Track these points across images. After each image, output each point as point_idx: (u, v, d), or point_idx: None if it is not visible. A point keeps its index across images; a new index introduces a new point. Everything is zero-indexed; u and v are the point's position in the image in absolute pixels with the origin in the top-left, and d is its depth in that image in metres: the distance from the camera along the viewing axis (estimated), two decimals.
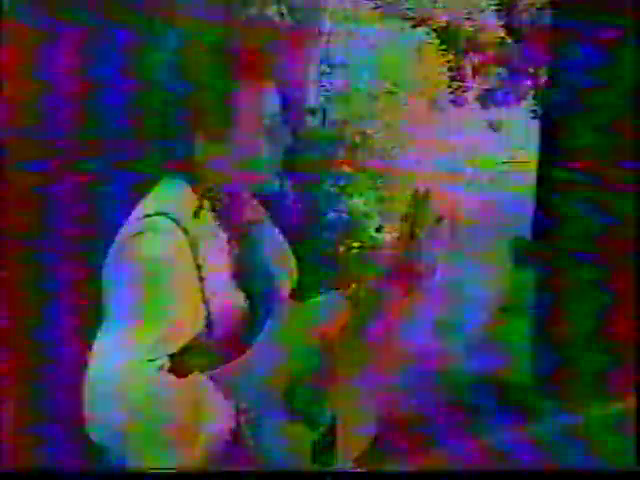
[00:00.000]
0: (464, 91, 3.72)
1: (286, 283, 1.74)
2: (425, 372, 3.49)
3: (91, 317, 1.56)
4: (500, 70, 3.85)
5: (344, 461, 1.61)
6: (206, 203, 1.63)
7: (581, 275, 3.76)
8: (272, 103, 1.64)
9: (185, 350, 1.54)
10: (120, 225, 1.59)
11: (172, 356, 1.51)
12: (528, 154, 3.90)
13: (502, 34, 3.89)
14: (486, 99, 3.78)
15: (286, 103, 1.66)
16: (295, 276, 1.79)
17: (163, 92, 1.63)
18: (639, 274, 3.56)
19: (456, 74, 3.75)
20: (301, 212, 3.29)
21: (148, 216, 1.56)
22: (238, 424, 1.48)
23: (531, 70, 3.86)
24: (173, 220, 1.55)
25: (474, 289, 3.66)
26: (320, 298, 1.66)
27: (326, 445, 1.58)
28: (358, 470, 1.65)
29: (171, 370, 1.50)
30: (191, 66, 1.61)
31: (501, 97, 3.84)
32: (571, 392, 3.69)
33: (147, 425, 1.45)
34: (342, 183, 3.38)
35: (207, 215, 1.63)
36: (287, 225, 1.87)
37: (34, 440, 2.64)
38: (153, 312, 1.50)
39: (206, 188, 1.63)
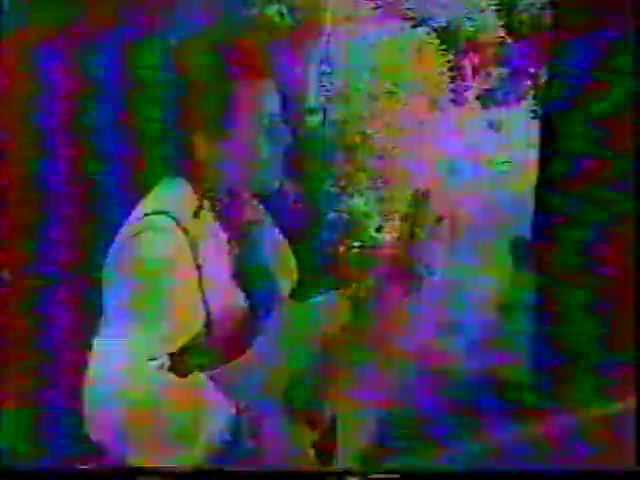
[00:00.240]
0: (464, 91, 3.72)
1: (286, 283, 1.74)
2: (425, 372, 3.49)
3: (91, 317, 1.56)
4: (500, 70, 3.85)
5: (344, 461, 1.61)
6: (206, 203, 1.63)
7: (581, 275, 3.75)
8: (272, 103, 1.64)
9: (185, 350, 1.54)
10: (120, 225, 1.59)
11: (172, 355, 1.51)
12: (528, 154, 3.90)
13: (502, 34, 3.89)
14: (486, 99, 3.78)
15: (286, 103, 1.66)
16: (295, 276, 1.79)
17: (163, 92, 1.64)
18: (639, 274, 3.56)
19: (456, 74, 3.75)
20: (301, 212, 3.29)
21: (148, 215, 1.56)
22: (238, 424, 1.48)
23: (531, 70, 3.86)
24: (173, 219, 1.55)
25: (474, 289, 3.66)
26: (320, 298, 1.66)
27: (326, 445, 1.58)
28: (358, 470, 1.65)
29: (171, 369, 1.50)
30: (191, 66, 1.61)
31: (501, 97, 3.84)
32: (571, 392, 3.69)
33: (147, 424, 1.45)
34: (342, 183, 3.38)
35: (207, 215, 1.63)
36: (287, 225, 1.87)
37: (34, 440, 2.64)
38: (153, 311, 1.51)
39: (206, 188, 1.63)
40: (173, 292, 1.53)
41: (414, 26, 3.65)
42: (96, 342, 1.50)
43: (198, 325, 1.55)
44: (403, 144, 3.51)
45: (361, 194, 3.39)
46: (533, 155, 3.89)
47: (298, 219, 3.25)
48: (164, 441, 1.46)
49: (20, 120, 2.71)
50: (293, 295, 1.75)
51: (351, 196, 3.39)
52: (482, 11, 3.89)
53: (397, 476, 1.84)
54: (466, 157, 3.70)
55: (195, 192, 1.62)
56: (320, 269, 3.20)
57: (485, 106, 3.80)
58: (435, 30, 3.67)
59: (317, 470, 1.57)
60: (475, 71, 3.80)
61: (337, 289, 1.69)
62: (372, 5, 3.56)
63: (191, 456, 1.46)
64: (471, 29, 3.79)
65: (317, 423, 1.57)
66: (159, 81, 1.65)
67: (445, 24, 3.70)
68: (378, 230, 3.39)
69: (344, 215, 3.37)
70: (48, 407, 2.66)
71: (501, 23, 3.91)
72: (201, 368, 1.52)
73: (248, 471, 1.51)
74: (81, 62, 2.70)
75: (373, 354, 1.61)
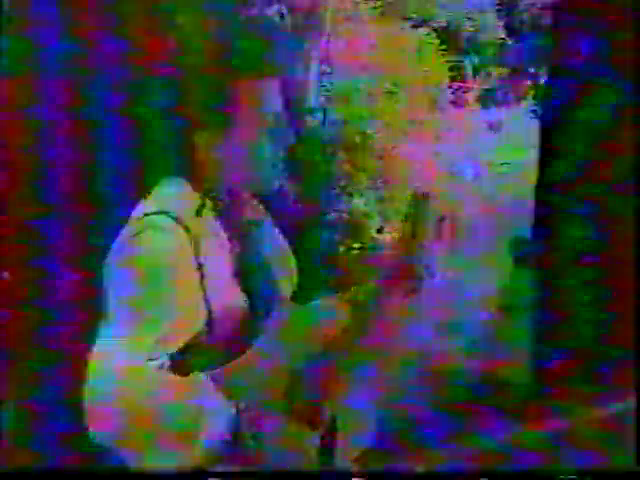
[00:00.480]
0: (464, 91, 3.72)
1: (286, 283, 1.74)
2: (425, 372, 3.49)
3: (92, 316, 1.56)
4: (500, 70, 3.85)
5: (344, 461, 1.61)
6: (207, 202, 1.62)
7: (581, 275, 3.75)
8: (274, 102, 1.63)
9: (185, 349, 1.54)
10: (121, 224, 1.59)
11: (172, 355, 1.51)
12: (528, 154, 3.90)
13: (502, 34, 3.88)
14: (486, 99, 3.78)
15: (287, 103, 1.66)
16: (295, 276, 1.79)
17: (165, 91, 1.63)
18: (639, 274, 3.56)
19: (456, 74, 3.75)
20: (301, 212, 3.29)
21: (149, 215, 1.56)
22: (238, 424, 1.48)
23: (531, 70, 3.86)
24: (174, 219, 1.55)
25: (474, 289, 3.67)
26: (320, 300, 1.66)
27: (326, 445, 1.58)
28: (358, 470, 1.65)
29: (171, 369, 1.50)
30: (192, 65, 1.61)
31: (501, 97, 3.84)
32: (571, 392, 3.69)
33: (147, 424, 1.45)
34: (342, 183, 3.38)
35: (208, 214, 1.63)
36: (287, 225, 1.87)
37: (34, 440, 2.64)
38: (154, 311, 1.50)
39: (207, 187, 1.63)
40: (174, 291, 1.53)
41: (414, 26, 3.65)
42: (97, 341, 1.50)
43: (199, 324, 1.55)
44: (403, 144, 3.51)
45: (361, 194, 3.40)
46: (533, 155, 3.89)
47: (298, 219, 3.25)
48: (164, 441, 1.46)
49: (21, 120, 2.71)
50: (294, 296, 1.75)
51: (351, 196, 3.39)
52: (482, 11, 3.89)
53: (397, 476, 1.84)
54: (466, 157, 3.71)
55: (196, 191, 1.62)
56: (320, 269, 3.20)
57: (485, 106, 3.80)
58: (435, 30, 3.67)
59: (317, 470, 1.57)
60: (475, 71, 3.80)
61: (337, 290, 1.69)
62: (372, 5, 3.56)
63: (191, 456, 1.46)
64: (471, 29, 3.79)
65: (317, 423, 1.57)
66: (160, 80, 1.65)
67: (445, 24, 3.69)
68: (378, 230, 3.39)
69: (344, 215, 3.37)
70: (48, 407, 2.66)
71: (501, 23, 3.90)
72: (201, 368, 1.52)
73: (248, 471, 1.51)
74: (81, 61, 2.70)
75: (373, 355, 1.61)
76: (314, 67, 3.37)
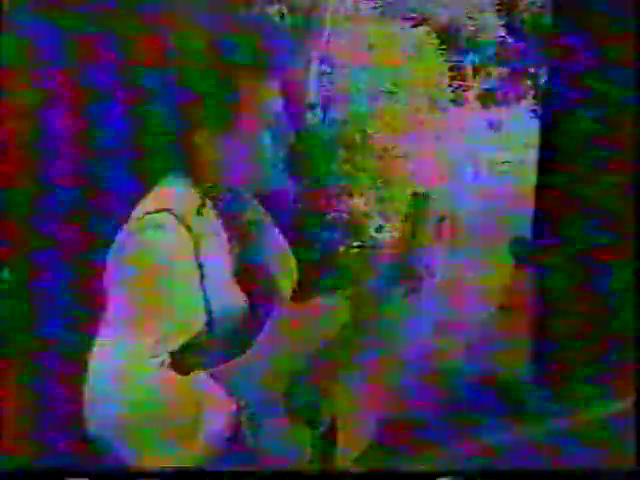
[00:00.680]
0: (464, 91, 3.72)
1: (286, 283, 1.74)
2: (425, 372, 3.49)
3: (92, 315, 1.56)
4: (500, 70, 3.85)
5: (344, 461, 1.61)
6: (208, 201, 1.63)
7: (581, 275, 3.75)
8: (275, 101, 1.63)
9: (186, 348, 1.54)
10: (122, 223, 1.59)
11: (173, 353, 1.51)
12: (528, 154, 3.90)
13: (502, 34, 3.89)
14: (486, 99, 3.78)
15: (287, 102, 1.66)
16: (295, 276, 1.79)
17: (166, 90, 1.63)
18: (639, 274, 3.56)
19: (456, 74, 3.75)
20: (301, 212, 3.29)
21: (150, 213, 1.56)
22: (238, 422, 1.48)
23: (531, 70, 3.86)
24: (175, 217, 1.55)
25: (474, 289, 3.66)
26: (320, 299, 1.66)
27: (326, 445, 1.58)
28: (358, 470, 1.65)
29: (172, 367, 1.50)
30: (193, 64, 1.61)
31: (501, 97, 3.84)
32: (571, 392, 3.69)
33: (147, 422, 1.45)
34: (342, 183, 3.38)
35: (209, 213, 1.63)
36: (287, 225, 1.87)
37: (34, 439, 2.63)
38: (155, 309, 1.51)
39: (208, 186, 1.63)
40: (175, 290, 1.53)
41: (414, 26, 3.65)
42: (98, 339, 1.50)
43: (199, 323, 1.55)
44: (403, 144, 3.51)
45: (361, 194, 3.39)
46: (533, 155, 3.89)
47: (298, 219, 3.25)
48: (165, 438, 1.46)
49: (20, 118, 2.71)
50: (293, 296, 1.75)
51: (351, 196, 3.39)
52: (482, 11, 3.89)
53: (397, 476, 1.84)
54: (466, 157, 3.71)
55: (197, 190, 1.62)
56: (320, 269, 3.20)
57: (485, 106, 3.80)
58: (435, 30, 3.67)
59: (317, 470, 1.57)
60: (475, 71, 3.80)
61: (337, 290, 1.69)
62: (372, 5, 3.56)
63: (191, 455, 1.46)
64: (471, 29, 3.79)
65: (317, 423, 1.57)
66: (162, 80, 1.65)
67: (445, 24, 3.69)
68: (378, 230, 3.39)
69: (344, 215, 3.37)
70: (48, 407, 2.66)
71: (501, 23, 3.90)
72: (201, 366, 1.52)
73: (248, 471, 1.51)
74: (81, 60, 2.70)
75: (373, 355, 1.61)
76: (314, 67, 3.37)
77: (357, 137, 3.41)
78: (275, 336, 1.54)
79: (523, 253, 3.95)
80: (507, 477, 1.81)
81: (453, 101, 3.66)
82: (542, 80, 3.84)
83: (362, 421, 1.64)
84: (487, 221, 3.75)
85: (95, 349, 1.48)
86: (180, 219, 1.55)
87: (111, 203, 2.49)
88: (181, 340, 1.52)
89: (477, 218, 3.67)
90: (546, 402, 3.68)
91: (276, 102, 1.64)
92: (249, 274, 1.64)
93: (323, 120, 3.35)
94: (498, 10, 3.95)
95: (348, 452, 1.62)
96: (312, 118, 3.35)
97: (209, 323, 1.56)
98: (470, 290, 3.67)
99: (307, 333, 1.57)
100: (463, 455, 3.22)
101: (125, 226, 1.58)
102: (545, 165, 3.88)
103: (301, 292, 1.76)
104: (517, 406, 3.64)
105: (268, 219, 1.80)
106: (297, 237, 1.99)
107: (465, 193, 3.62)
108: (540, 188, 3.88)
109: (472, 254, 3.59)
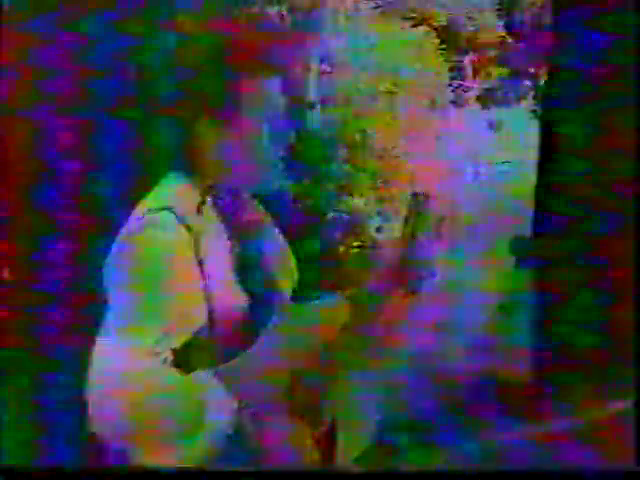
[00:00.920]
0: (464, 91, 3.72)
1: (286, 283, 1.74)
2: (425, 372, 3.49)
3: (93, 315, 1.56)
4: (500, 70, 3.85)
5: (344, 461, 1.62)
6: (208, 200, 1.63)
7: (581, 275, 3.75)
8: (275, 101, 1.64)
9: (187, 346, 1.54)
10: (122, 222, 1.59)
11: (174, 352, 1.52)
12: (528, 154, 3.90)
13: (502, 34, 3.89)
14: (486, 99, 3.78)
15: (287, 102, 1.66)
16: (295, 276, 1.79)
17: (165, 89, 1.64)
18: (639, 274, 3.56)
19: (456, 74, 3.75)
20: (301, 212, 3.29)
21: (150, 212, 1.56)
22: (239, 422, 1.49)
23: (531, 70, 3.86)
24: (175, 216, 1.55)
25: (474, 289, 3.66)
26: (321, 300, 1.66)
27: (326, 445, 1.58)
28: (358, 470, 1.65)
29: (174, 366, 1.50)
30: (194, 63, 1.61)
31: (501, 97, 3.85)
32: (571, 392, 3.69)
33: (149, 421, 1.45)
34: (342, 183, 3.38)
35: (209, 213, 1.63)
36: (287, 225, 1.87)
37: (34, 439, 2.64)
38: (156, 307, 1.51)
39: (209, 185, 1.63)
40: (175, 288, 1.53)
41: (414, 26, 3.65)
42: (99, 339, 1.50)
43: (200, 321, 1.55)
44: (403, 144, 3.51)
45: (361, 194, 3.39)
46: (533, 155, 3.89)
47: (298, 219, 3.25)
48: (167, 436, 1.46)
49: (20, 118, 2.71)
50: (294, 296, 1.75)
51: (351, 196, 3.39)
52: (482, 11, 3.89)
53: (397, 476, 1.84)
54: (466, 157, 3.71)
55: (197, 189, 1.62)
56: (320, 269, 3.20)
57: (485, 106, 3.80)
58: (435, 30, 3.67)
59: (317, 470, 1.57)
60: (475, 71, 3.80)
61: (337, 290, 1.69)
62: (372, 5, 3.56)
63: (193, 454, 1.47)
64: (471, 29, 3.79)
65: (318, 423, 1.57)
66: (161, 78, 1.65)
67: (445, 23, 3.70)
68: (378, 230, 3.39)
69: (344, 215, 3.37)
70: (49, 407, 2.66)
71: (501, 23, 3.91)
72: (203, 365, 1.52)
73: (248, 471, 1.51)
74: (82, 58, 2.69)
75: (373, 355, 1.61)
76: (314, 67, 3.37)
77: (357, 137, 3.41)
78: (276, 336, 1.54)
79: (523, 253, 3.95)
80: (507, 477, 1.81)
81: (453, 102, 3.65)
82: (542, 80, 3.84)
83: (362, 421, 1.64)
84: (487, 221, 3.75)
85: (97, 348, 1.48)
86: (180, 218, 1.55)
87: (111, 202, 2.49)
88: (182, 338, 1.52)
89: (477, 218, 3.66)
90: (546, 402, 3.68)
91: (277, 101, 1.64)
92: (249, 273, 1.64)
93: (323, 120, 3.35)
94: (498, 10, 3.95)
95: (348, 452, 1.62)
96: (312, 118, 3.35)
97: (210, 321, 1.57)
98: (470, 290, 3.67)
99: (307, 333, 1.57)
100: (463, 455, 3.22)
101: (125, 225, 1.58)
102: (545, 165, 3.88)
103: (301, 292, 1.76)
104: (517, 406, 3.64)
105: (268, 219, 1.80)
106: (297, 237, 1.99)
107: (465, 193, 3.62)
108: (540, 188, 3.88)
109: (472, 254, 3.59)
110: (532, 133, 3.89)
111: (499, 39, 3.83)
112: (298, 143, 3.15)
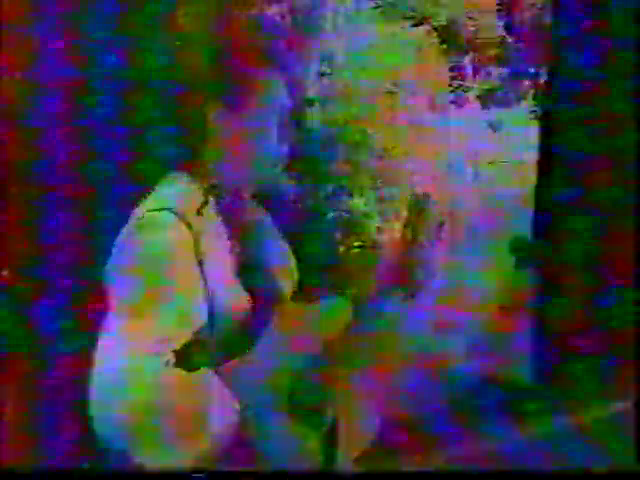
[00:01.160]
0: (464, 91, 3.72)
1: (286, 283, 1.74)
2: (425, 372, 3.48)
3: (94, 315, 1.56)
4: (500, 70, 3.85)
5: (345, 461, 1.62)
6: (210, 199, 1.63)
7: (581, 275, 3.76)
8: (276, 101, 1.64)
9: (188, 346, 1.54)
10: (124, 222, 1.59)
11: (176, 351, 1.52)
12: (528, 154, 3.90)
13: (502, 34, 3.89)
14: (486, 99, 3.78)
15: (288, 102, 1.66)
16: (295, 276, 1.79)
17: (169, 88, 1.64)
18: (639, 274, 3.57)
19: (456, 74, 3.75)
20: (301, 212, 3.29)
21: (151, 212, 1.56)
22: (241, 422, 1.49)
23: (531, 70, 3.86)
24: (176, 215, 1.56)
25: (474, 289, 3.66)
26: (321, 300, 1.67)
27: (328, 445, 1.58)
28: (359, 470, 1.65)
29: (175, 365, 1.51)
30: (196, 63, 1.61)
31: (501, 97, 3.85)
32: (571, 392, 3.69)
33: (152, 421, 1.45)
34: (342, 183, 3.38)
35: (210, 213, 1.63)
36: (287, 225, 1.87)
37: (34, 439, 2.63)
38: (157, 307, 1.51)
39: (210, 185, 1.64)
40: (176, 288, 1.53)
41: (414, 26, 3.64)
42: (101, 338, 1.50)
43: (201, 321, 1.56)
44: (403, 144, 3.51)
45: (361, 194, 3.39)
46: (533, 155, 3.89)
47: (298, 219, 3.25)
48: (169, 437, 1.46)
49: (19, 117, 2.70)
50: (294, 296, 1.75)
51: (351, 196, 3.39)
52: (482, 11, 3.89)
53: (397, 476, 1.84)
54: (466, 157, 3.70)
55: (198, 189, 1.62)
56: (320, 269, 3.20)
57: (485, 106, 3.80)
58: (435, 30, 3.67)
59: (318, 470, 1.58)
60: (475, 71, 3.80)
61: (338, 290, 1.70)
62: (372, 5, 3.56)
63: (195, 454, 1.47)
64: (471, 29, 3.79)
65: (319, 423, 1.57)
66: (164, 77, 1.66)
67: (445, 23, 3.70)
68: (378, 230, 3.39)
69: (344, 215, 3.37)
70: (49, 407, 2.66)
71: (501, 23, 3.91)
72: (203, 365, 1.52)
73: (249, 471, 1.51)
74: (83, 56, 2.69)
75: (374, 355, 1.62)
76: (314, 67, 3.37)
77: (357, 137, 3.41)
78: (277, 336, 1.54)
79: (523, 253, 3.95)
80: (507, 477, 1.81)
81: (453, 102, 3.65)
82: (542, 80, 3.84)
83: (363, 421, 1.64)
84: (487, 221, 3.75)
85: (99, 349, 1.49)
86: (181, 218, 1.56)
87: (113, 202, 2.49)
88: (184, 338, 1.52)
89: (477, 218, 3.66)
90: (546, 402, 3.68)
91: (278, 101, 1.64)
92: (250, 274, 1.65)
93: (323, 120, 3.35)
94: (498, 10, 3.94)
95: (349, 452, 1.62)
96: (312, 117, 3.35)
97: (211, 321, 1.57)
98: (470, 290, 3.66)
99: (308, 333, 1.57)
100: (463, 455, 3.22)
101: (126, 225, 1.58)
102: (545, 165, 3.89)
103: (302, 292, 1.76)
104: (517, 406, 3.64)
105: (268, 219, 1.80)
106: (297, 237, 1.99)
107: (465, 193, 3.62)
108: (540, 188, 3.88)
109: (472, 254, 3.59)
110: (532, 133, 3.90)
111: (499, 39, 3.83)
112: (298, 143, 3.16)
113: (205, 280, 1.56)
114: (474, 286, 3.65)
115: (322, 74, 3.33)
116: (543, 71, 3.86)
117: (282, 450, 1.53)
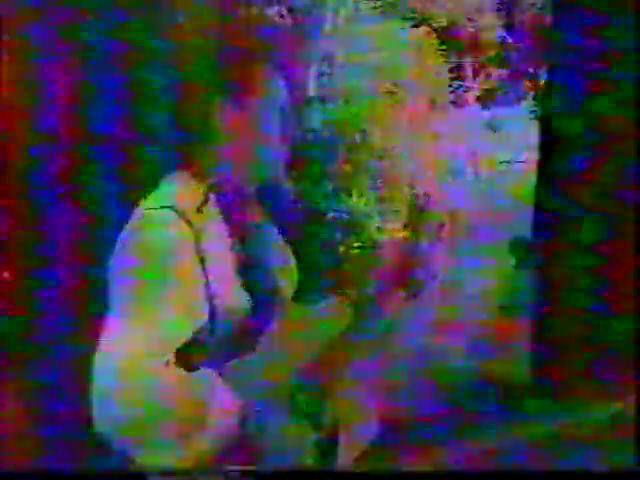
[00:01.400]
0: (464, 91, 3.72)
1: (287, 283, 1.74)
2: (425, 372, 3.48)
3: (95, 314, 1.56)
4: (500, 70, 3.85)
5: (345, 461, 1.62)
6: (211, 197, 1.63)
7: (581, 275, 3.75)
8: (277, 101, 1.64)
9: (189, 345, 1.54)
10: (124, 221, 1.59)
11: (177, 351, 1.52)
12: (528, 154, 3.90)
13: (502, 34, 3.89)
14: (486, 99, 3.78)
15: (288, 102, 1.66)
16: (295, 276, 1.79)
17: (170, 88, 1.64)
18: (639, 274, 3.56)
19: (456, 74, 3.75)
20: (301, 212, 3.29)
21: (153, 210, 1.56)
22: (242, 421, 1.49)
23: (531, 70, 3.86)
24: (177, 213, 1.56)
25: (474, 289, 3.66)
26: (322, 301, 1.67)
27: (328, 444, 1.58)
28: (358, 470, 1.65)
29: (176, 365, 1.51)
30: (198, 63, 1.61)
31: (501, 97, 3.85)
32: (571, 392, 3.69)
33: (153, 421, 1.45)
34: (342, 183, 3.38)
35: (210, 212, 1.63)
36: (287, 225, 1.87)
37: (35, 440, 2.63)
38: (157, 306, 1.51)
39: (209, 184, 1.64)
40: (177, 286, 1.53)
41: (414, 26, 3.65)
42: (102, 338, 1.51)
43: (202, 319, 1.56)
44: (403, 144, 3.51)
45: (361, 194, 3.39)
46: (533, 155, 3.89)
47: (298, 219, 3.25)
48: (170, 438, 1.46)
49: (20, 117, 2.70)
50: (294, 296, 1.75)
51: (351, 196, 3.39)
52: (482, 11, 3.89)
53: (397, 476, 1.84)
54: (466, 157, 3.70)
55: (198, 188, 1.63)
56: (320, 269, 3.20)
57: (485, 106, 3.80)
58: (435, 30, 3.67)
59: (319, 469, 1.57)
60: (475, 71, 3.80)
61: (338, 290, 1.70)
62: (372, 5, 3.56)
63: (196, 453, 1.47)
64: (471, 29, 3.79)
65: (320, 423, 1.57)
66: (166, 76, 1.66)
67: (445, 24, 3.70)
68: (378, 230, 3.39)
69: (344, 215, 3.37)
70: (49, 407, 2.66)
71: (501, 23, 3.91)
72: (204, 364, 1.52)
73: (250, 471, 1.51)
74: (84, 55, 2.69)
75: (374, 356, 1.62)
76: (314, 67, 3.37)
77: (357, 137, 3.41)
78: (278, 336, 1.54)
79: (523, 253, 3.95)
80: (507, 477, 1.81)
81: (453, 102, 3.65)
82: (542, 80, 3.83)
83: (363, 421, 1.64)
84: (487, 221, 3.75)
85: (100, 348, 1.49)
86: (181, 216, 1.56)
87: (113, 202, 2.49)
88: (184, 337, 1.53)
89: (477, 218, 3.66)
90: (545, 402, 3.68)
91: (278, 101, 1.64)
92: (250, 273, 1.65)
93: (323, 120, 3.35)
94: (498, 10, 3.95)
95: (349, 452, 1.62)
96: (312, 117, 3.35)
97: (211, 321, 1.57)
98: (470, 290, 3.66)
99: (309, 334, 1.57)
100: (463, 455, 3.22)
101: (129, 223, 1.58)
102: (545, 165, 3.88)
103: (302, 292, 1.76)
104: (517, 406, 3.64)
105: (268, 219, 1.80)
106: (297, 237, 1.99)
107: (465, 193, 3.62)
108: (540, 188, 3.88)
109: (472, 254, 3.59)
110: (532, 133, 3.89)
111: (499, 39, 3.83)
112: (298, 142, 3.16)
113: (206, 278, 1.56)
114: (474, 286, 3.65)
115: (322, 74, 3.33)
116: (543, 71, 3.86)
117: (282, 449, 1.53)
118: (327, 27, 3.40)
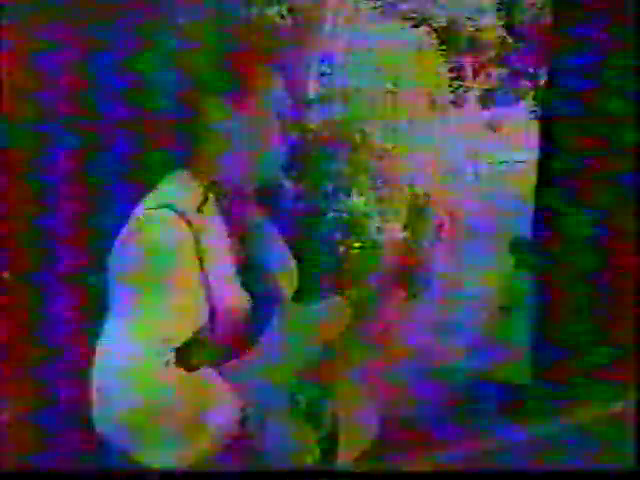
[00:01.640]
0: (464, 91, 3.72)
1: (287, 283, 1.74)
2: (425, 372, 3.48)
3: (95, 314, 1.56)
4: (500, 70, 3.85)
5: (345, 460, 1.62)
6: (211, 197, 1.63)
7: (581, 275, 3.76)
8: (278, 101, 1.64)
9: (190, 344, 1.54)
10: (125, 220, 1.59)
11: (177, 350, 1.52)
12: (528, 154, 3.90)
13: (502, 34, 3.89)
14: (486, 99, 3.78)
15: (289, 102, 1.66)
16: (295, 276, 1.79)
17: (170, 88, 1.64)
18: (639, 273, 3.56)
19: (456, 74, 3.75)
20: (301, 211, 3.29)
21: (152, 209, 1.56)
22: (243, 421, 1.49)
23: (531, 70, 3.87)
24: (177, 213, 1.56)
25: (474, 289, 3.66)
26: (322, 300, 1.67)
27: (328, 444, 1.58)
28: (358, 470, 1.65)
29: (177, 365, 1.51)
30: (198, 63, 1.61)
31: (501, 97, 3.85)
32: (571, 392, 3.69)
33: (153, 421, 1.45)
34: (342, 183, 3.38)
35: (210, 211, 1.63)
36: (287, 225, 1.87)
37: (35, 440, 2.63)
38: (157, 305, 1.51)
39: (209, 183, 1.64)
40: (177, 285, 1.53)
41: (414, 26, 3.65)
42: (102, 338, 1.51)
43: (201, 320, 1.56)
44: (403, 144, 3.51)
45: (361, 194, 3.39)
46: (533, 155, 3.89)
47: (298, 219, 3.25)
48: (171, 435, 1.46)
49: (21, 117, 2.70)
50: (295, 296, 1.75)
51: (351, 196, 3.39)
52: (482, 11, 3.90)
53: (397, 476, 1.84)
54: (466, 157, 3.71)
55: (198, 188, 1.63)
56: (320, 269, 3.20)
57: (485, 106, 3.80)
58: (435, 30, 3.67)
59: (319, 469, 1.58)
60: (475, 71, 3.80)
61: (338, 290, 1.70)
62: (372, 5, 3.56)
63: (197, 453, 1.47)
64: (471, 29, 3.79)
65: (320, 423, 1.57)
66: (166, 77, 1.66)
67: (445, 24, 3.70)
68: (378, 230, 3.39)
69: (344, 215, 3.37)
70: (50, 407, 2.66)
71: (501, 23, 3.91)
72: (204, 363, 1.52)
73: (250, 471, 1.51)
74: (84, 54, 2.69)
75: (374, 356, 1.62)
76: (314, 67, 3.37)
77: (357, 137, 3.41)
78: (278, 336, 1.54)
79: (523, 253, 3.95)
80: (507, 477, 1.81)
81: (453, 102, 3.65)
82: (542, 80, 3.84)
83: (364, 421, 1.64)
84: (487, 221, 3.75)
85: (100, 347, 1.49)
86: (181, 215, 1.56)
87: (114, 200, 2.50)
88: (184, 337, 1.53)
89: (477, 218, 3.66)
90: (546, 402, 3.68)
91: (279, 101, 1.64)
92: (250, 273, 1.65)
93: (323, 120, 3.35)
94: (498, 10, 3.94)
95: (349, 452, 1.62)
96: (311, 117, 3.35)
97: (211, 321, 1.57)
98: (470, 290, 3.66)
99: (309, 333, 1.57)
100: (463, 455, 3.22)
101: (128, 222, 1.58)
102: (545, 165, 3.89)
103: (302, 292, 1.76)
104: (517, 406, 3.64)
105: (268, 219, 1.80)
106: (297, 237, 1.99)
107: (465, 193, 3.62)
108: (540, 188, 3.89)
109: (472, 254, 3.59)
110: (532, 133, 3.89)
111: (499, 39, 3.83)
112: (298, 142, 3.16)
113: (206, 278, 1.56)
114: (474, 286, 3.65)
115: (322, 74, 3.33)
116: (543, 71, 3.86)
117: (282, 449, 1.53)
118: (327, 27, 3.40)
